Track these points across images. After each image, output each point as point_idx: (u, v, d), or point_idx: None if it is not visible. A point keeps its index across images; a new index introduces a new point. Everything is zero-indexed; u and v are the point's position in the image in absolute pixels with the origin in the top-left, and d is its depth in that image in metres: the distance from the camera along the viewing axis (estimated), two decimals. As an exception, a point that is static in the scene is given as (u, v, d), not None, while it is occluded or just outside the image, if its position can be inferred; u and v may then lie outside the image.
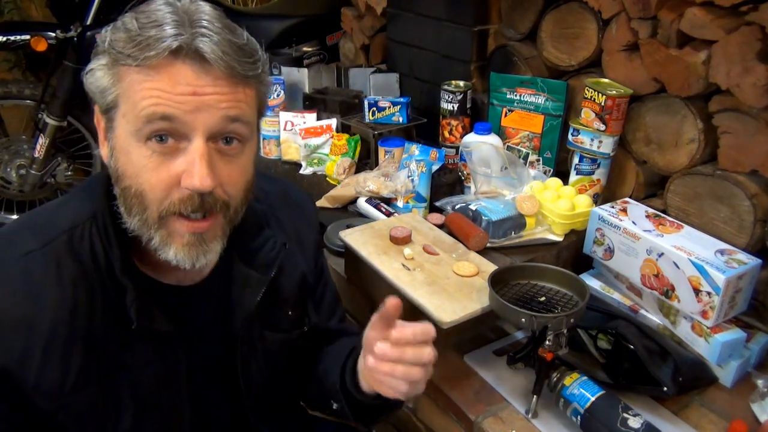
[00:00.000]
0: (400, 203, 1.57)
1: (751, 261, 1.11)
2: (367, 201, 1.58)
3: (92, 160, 2.64)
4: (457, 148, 1.72)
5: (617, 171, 1.49)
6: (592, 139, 1.42)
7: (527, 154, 1.64)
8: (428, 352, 0.75)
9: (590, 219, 1.30)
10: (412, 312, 1.09)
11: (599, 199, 1.48)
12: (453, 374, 1.12)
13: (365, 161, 1.87)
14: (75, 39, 2.26)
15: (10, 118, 2.66)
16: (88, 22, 2.27)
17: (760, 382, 1.06)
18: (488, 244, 1.33)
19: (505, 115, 1.66)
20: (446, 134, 1.75)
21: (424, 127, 1.89)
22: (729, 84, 1.18)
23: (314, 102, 2.02)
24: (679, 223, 1.23)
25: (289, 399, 1.00)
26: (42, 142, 2.38)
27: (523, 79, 1.60)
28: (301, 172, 1.91)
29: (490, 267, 1.21)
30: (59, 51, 2.31)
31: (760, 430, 0.98)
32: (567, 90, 1.54)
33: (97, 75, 0.70)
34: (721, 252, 1.13)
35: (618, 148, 1.45)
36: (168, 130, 0.68)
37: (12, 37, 2.28)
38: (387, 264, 1.20)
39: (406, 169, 1.61)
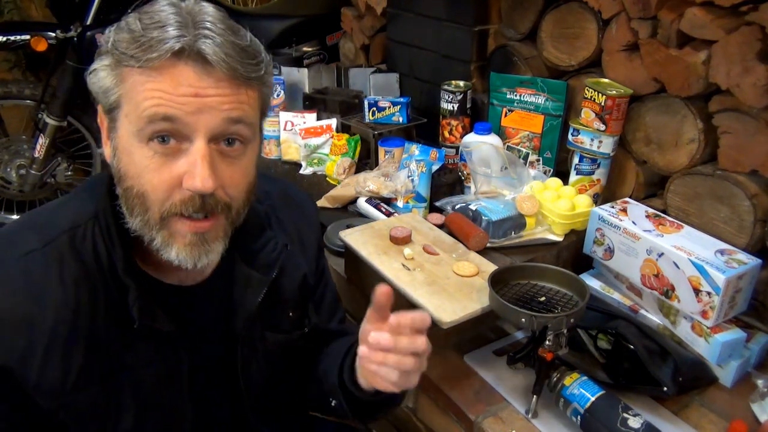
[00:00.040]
0: (400, 203, 1.57)
1: (751, 261, 1.11)
2: (367, 201, 1.58)
3: (92, 160, 2.64)
4: (457, 148, 1.72)
5: (617, 171, 1.49)
6: (592, 139, 1.42)
7: (527, 154, 1.64)
8: (422, 341, 0.75)
9: (590, 219, 1.30)
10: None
11: (599, 199, 1.48)
12: (453, 374, 1.12)
13: (365, 161, 1.87)
14: (75, 39, 2.26)
15: (10, 118, 2.66)
16: (88, 22, 2.27)
17: (760, 382, 1.06)
18: (488, 244, 1.33)
19: (505, 115, 1.66)
20: (446, 134, 1.75)
21: (424, 127, 1.89)
22: (729, 84, 1.18)
23: (314, 102, 2.02)
24: (679, 223, 1.23)
25: (289, 399, 1.00)
26: (42, 142, 2.38)
27: (523, 79, 1.60)
28: (301, 172, 1.91)
29: (490, 267, 1.21)
30: (59, 51, 2.31)
31: (760, 430, 0.98)
32: (567, 90, 1.54)
33: (101, 75, 0.70)
34: (721, 252, 1.13)
35: (618, 148, 1.45)
36: (170, 131, 0.68)
37: (12, 37, 2.27)
38: (387, 264, 1.20)
39: (406, 169, 1.61)
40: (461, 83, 1.72)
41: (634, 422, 0.91)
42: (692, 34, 1.22)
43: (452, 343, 1.18)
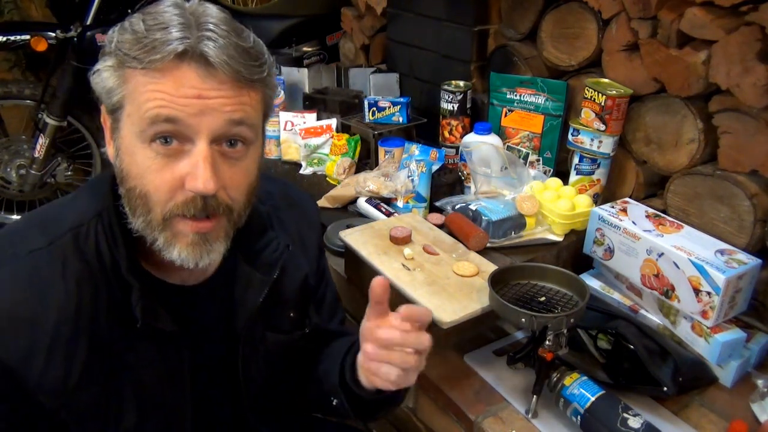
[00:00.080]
0: (400, 203, 1.57)
1: (751, 261, 1.11)
2: (367, 201, 1.58)
3: (92, 160, 2.64)
4: (457, 148, 1.72)
5: (617, 171, 1.49)
6: (592, 139, 1.42)
7: (527, 154, 1.64)
8: (427, 338, 0.76)
9: (590, 219, 1.30)
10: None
11: (599, 199, 1.48)
12: (453, 374, 1.12)
13: (365, 161, 1.87)
14: (75, 39, 2.26)
15: (10, 118, 2.66)
16: (88, 22, 2.27)
17: (760, 382, 1.06)
18: (488, 244, 1.33)
19: (505, 115, 1.66)
20: (446, 134, 1.75)
21: (424, 127, 1.89)
22: (729, 84, 1.18)
23: (314, 102, 2.02)
24: (679, 223, 1.23)
25: (289, 400, 1.00)
26: (42, 142, 2.38)
27: (523, 79, 1.60)
28: (301, 172, 1.91)
29: (490, 267, 1.21)
30: (59, 51, 2.31)
31: (760, 430, 0.98)
32: (567, 90, 1.54)
33: (104, 76, 0.70)
34: (721, 252, 1.13)
35: (618, 148, 1.45)
36: (172, 133, 0.68)
37: (12, 37, 2.28)
38: (387, 264, 1.20)
39: (406, 169, 1.61)
40: (461, 83, 1.72)
41: (634, 422, 0.91)
42: (692, 34, 1.22)
43: (452, 343, 1.18)
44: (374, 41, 2.26)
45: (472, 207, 1.38)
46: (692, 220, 1.29)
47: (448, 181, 1.62)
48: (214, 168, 0.69)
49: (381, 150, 1.75)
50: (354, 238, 1.29)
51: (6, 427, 0.75)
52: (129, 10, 2.33)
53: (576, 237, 1.38)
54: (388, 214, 1.52)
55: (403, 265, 1.20)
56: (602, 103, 1.37)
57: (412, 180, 1.58)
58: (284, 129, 1.96)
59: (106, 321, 0.75)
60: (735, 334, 1.11)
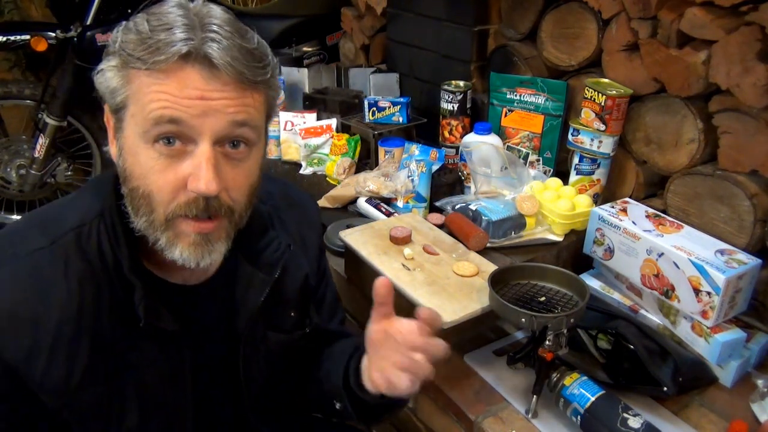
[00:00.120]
0: (400, 203, 1.57)
1: (751, 261, 1.11)
2: (367, 201, 1.58)
3: (92, 160, 2.64)
4: (457, 148, 1.72)
5: (617, 171, 1.49)
6: (592, 139, 1.42)
7: (527, 154, 1.64)
8: (446, 346, 0.76)
9: (590, 219, 1.30)
10: (412, 312, 1.08)
11: (599, 199, 1.48)
12: (453, 374, 1.12)
13: (365, 161, 1.87)
14: (75, 39, 2.26)
15: (10, 118, 2.66)
16: (88, 22, 2.27)
17: (760, 382, 1.06)
18: (488, 244, 1.33)
19: (505, 115, 1.66)
20: (446, 134, 1.75)
21: (424, 127, 1.89)
22: (729, 84, 1.18)
23: (314, 102, 2.02)
24: (679, 223, 1.23)
25: (289, 399, 1.00)
26: (42, 142, 2.38)
27: (523, 79, 1.60)
28: (301, 172, 1.91)
29: (490, 267, 1.21)
30: (59, 51, 2.31)
31: (760, 430, 0.98)
32: (567, 90, 1.54)
33: (108, 76, 0.71)
34: (721, 252, 1.13)
35: (618, 148, 1.45)
36: (175, 133, 0.68)
37: (12, 37, 2.28)
38: (387, 264, 1.20)
39: (406, 169, 1.61)
40: (461, 83, 1.72)
41: (634, 422, 0.91)
42: (692, 34, 1.22)
43: (452, 343, 1.17)
44: (374, 41, 2.26)
45: (472, 207, 1.38)
46: (692, 220, 1.29)
47: (448, 181, 1.62)
48: (216, 169, 0.69)
49: (381, 150, 1.75)
50: (354, 238, 1.29)
51: (7, 427, 0.75)
52: (129, 10, 2.33)
53: (576, 237, 1.38)
54: (388, 214, 1.52)
55: (403, 265, 1.20)
56: (602, 103, 1.37)
57: (412, 180, 1.58)
58: (284, 129, 1.96)
59: (109, 320, 0.75)
60: (735, 334, 1.11)
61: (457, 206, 1.43)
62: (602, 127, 1.39)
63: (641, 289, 1.21)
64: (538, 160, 1.63)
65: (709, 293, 1.08)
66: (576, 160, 1.48)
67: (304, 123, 1.95)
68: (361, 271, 1.30)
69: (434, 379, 1.09)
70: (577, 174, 1.48)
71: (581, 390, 0.97)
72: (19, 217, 2.60)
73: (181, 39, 0.66)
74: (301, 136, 1.92)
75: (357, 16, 2.29)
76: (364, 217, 1.57)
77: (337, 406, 0.90)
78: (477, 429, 1.03)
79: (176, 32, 0.66)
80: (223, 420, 0.91)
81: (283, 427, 1.00)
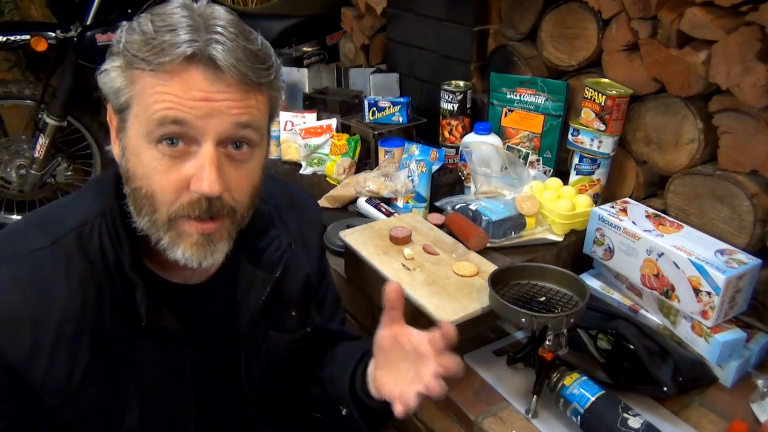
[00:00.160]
0: (400, 203, 1.57)
1: (751, 261, 1.11)
2: (367, 201, 1.58)
3: (92, 160, 2.64)
4: (457, 148, 1.72)
5: (617, 171, 1.49)
6: (592, 139, 1.42)
7: (527, 154, 1.64)
8: (459, 363, 0.76)
9: (590, 219, 1.30)
10: (413, 312, 1.09)
11: (599, 199, 1.48)
12: (453, 374, 1.12)
13: (365, 161, 1.87)
14: (75, 39, 2.26)
15: (10, 118, 2.66)
16: (88, 22, 2.27)
17: (760, 382, 1.06)
18: (488, 244, 1.33)
19: (505, 115, 1.66)
20: (446, 134, 1.75)
21: (424, 127, 1.89)
22: (729, 84, 1.18)
23: (314, 102, 2.02)
24: (679, 223, 1.23)
25: (290, 399, 1.00)
26: (42, 142, 2.38)
27: (523, 79, 1.60)
28: (301, 172, 1.91)
29: (490, 267, 1.21)
30: (59, 51, 2.31)
31: (760, 430, 0.98)
32: (567, 90, 1.54)
33: (111, 76, 0.71)
34: (721, 252, 1.13)
35: (618, 148, 1.45)
36: (179, 134, 0.68)
37: (12, 37, 2.28)
38: (387, 264, 1.20)
39: (406, 169, 1.61)
40: (461, 83, 1.72)
41: (634, 422, 0.91)
42: (692, 34, 1.22)
43: (452, 343, 1.18)
44: (374, 41, 2.26)
45: (472, 207, 1.38)
46: (692, 220, 1.29)
47: (448, 181, 1.62)
48: (219, 170, 0.69)
49: (381, 150, 1.75)
50: (354, 238, 1.29)
51: (7, 427, 0.75)
52: (129, 10, 2.33)
53: (576, 237, 1.38)
54: (388, 214, 1.52)
55: (403, 265, 1.20)
56: (602, 103, 1.37)
57: (412, 180, 1.58)
58: (284, 129, 1.96)
59: (110, 320, 0.75)
60: (735, 334, 1.11)
61: (457, 206, 1.43)
62: (602, 127, 1.39)
63: (641, 289, 1.21)
64: (538, 160, 1.63)
65: (709, 293, 1.08)
66: (576, 160, 1.48)
67: (304, 123, 1.95)
68: (361, 271, 1.30)
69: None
70: (577, 174, 1.48)
71: (581, 390, 0.97)
72: (19, 217, 2.60)
73: (186, 40, 0.66)
74: (301, 136, 1.92)
75: (357, 16, 2.29)
76: (364, 217, 1.57)
77: (344, 411, 0.90)
78: (477, 429, 1.03)
79: (181, 33, 0.66)
80: (224, 419, 0.91)
81: (284, 427, 1.00)
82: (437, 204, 1.53)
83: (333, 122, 1.94)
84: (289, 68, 2.18)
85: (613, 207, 1.29)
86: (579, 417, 0.96)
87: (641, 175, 1.45)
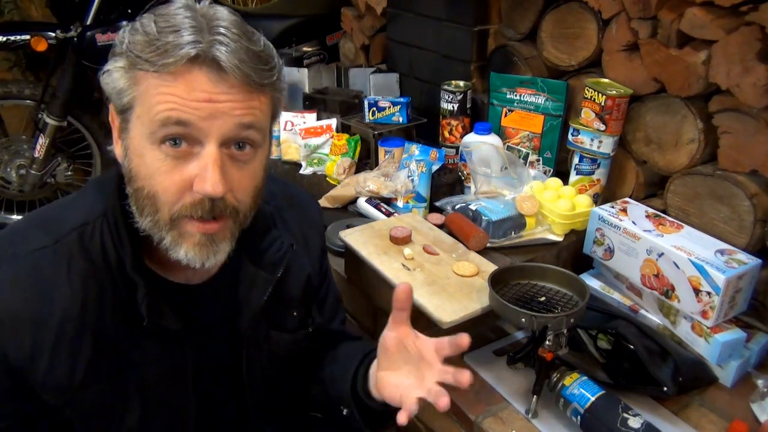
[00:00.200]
0: (400, 203, 1.57)
1: (751, 261, 1.11)
2: (367, 201, 1.58)
3: (92, 160, 2.64)
4: (457, 148, 1.72)
5: (617, 171, 1.49)
6: (592, 139, 1.42)
7: (527, 154, 1.64)
8: (468, 375, 0.75)
9: (590, 219, 1.30)
10: (413, 312, 1.08)
11: (599, 199, 1.48)
12: (453, 374, 1.12)
13: (365, 161, 1.87)
14: (75, 39, 2.26)
15: (10, 118, 2.66)
16: (88, 22, 2.27)
17: (760, 382, 1.06)
18: (488, 244, 1.33)
19: (505, 115, 1.66)
20: (446, 134, 1.75)
21: (424, 127, 1.89)
22: (729, 84, 1.18)
23: (314, 102, 2.02)
24: (679, 223, 1.23)
25: (291, 399, 1.00)
26: (42, 142, 2.38)
27: (523, 79, 1.60)
28: (301, 172, 1.91)
29: (490, 267, 1.21)
30: (59, 51, 2.31)
31: (760, 430, 0.98)
32: (567, 90, 1.54)
33: (114, 76, 0.71)
34: (721, 252, 1.13)
35: (618, 148, 1.45)
36: (182, 135, 0.68)
37: (12, 37, 2.28)
38: (387, 264, 1.20)
39: (406, 169, 1.61)
40: (461, 83, 1.72)
41: (634, 422, 0.91)
42: (692, 34, 1.22)
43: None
44: (374, 41, 2.26)
45: (472, 207, 1.38)
46: (692, 220, 1.29)
47: (448, 181, 1.62)
48: (222, 171, 0.69)
49: (381, 150, 1.75)
50: (354, 238, 1.29)
51: (7, 427, 0.75)
52: (129, 10, 2.33)
53: (576, 237, 1.38)
54: (388, 214, 1.52)
55: (403, 265, 1.20)
56: (602, 103, 1.37)
57: (412, 180, 1.58)
58: (284, 129, 1.96)
59: (111, 319, 0.75)
60: (735, 334, 1.11)
61: (457, 206, 1.43)
62: (602, 127, 1.39)
63: (641, 289, 1.21)
64: (538, 160, 1.63)
65: (709, 293, 1.08)
66: (576, 160, 1.48)
67: (304, 123, 1.95)
68: (361, 272, 1.30)
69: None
70: (577, 174, 1.48)
71: (581, 390, 0.97)
72: (19, 217, 2.60)
73: (189, 42, 0.66)
74: (301, 136, 1.92)
75: (357, 16, 2.29)
76: (364, 217, 1.57)
77: (344, 411, 0.90)
78: (477, 429, 1.03)
79: (184, 34, 0.66)
80: (225, 419, 0.91)
81: (285, 426, 1.00)
82: (437, 204, 1.53)
83: (333, 122, 1.94)
84: (289, 68, 2.18)
85: (613, 207, 1.30)
86: (579, 417, 0.96)
87: (641, 175, 1.45)
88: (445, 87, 1.70)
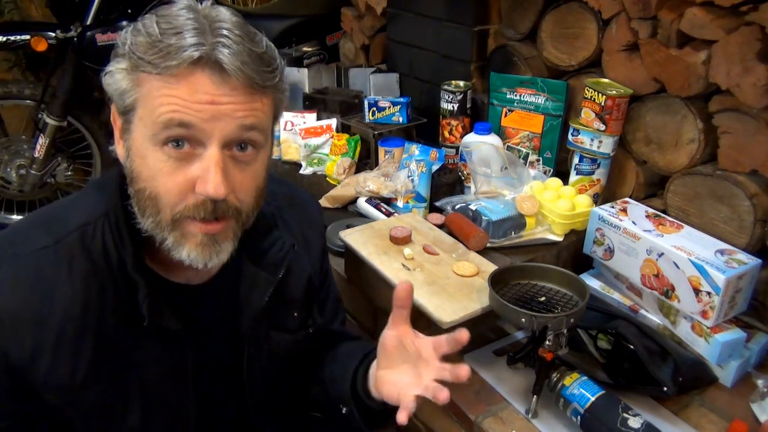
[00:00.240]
0: (400, 203, 1.57)
1: (751, 261, 1.11)
2: (367, 201, 1.58)
3: (92, 160, 2.64)
4: (457, 148, 1.72)
5: (617, 171, 1.49)
6: (592, 139, 1.42)
7: (527, 154, 1.64)
8: (466, 370, 0.76)
9: (590, 219, 1.30)
10: (413, 312, 1.08)
11: (599, 199, 1.48)
12: (453, 374, 1.12)
13: (365, 161, 1.87)
14: (75, 39, 2.26)
15: (10, 118, 2.66)
16: (88, 22, 2.27)
17: (760, 382, 1.06)
18: (488, 244, 1.33)
19: (505, 115, 1.66)
20: (446, 134, 1.75)
21: (424, 127, 1.89)
22: (729, 84, 1.18)
23: (314, 102, 2.02)
24: (679, 223, 1.23)
25: (291, 399, 1.00)
26: (42, 142, 2.38)
27: (523, 79, 1.60)
28: (301, 172, 1.91)
29: (490, 267, 1.21)
30: (59, 51, 2.31)
31: (760, 430, 0.98)
32: (567, 90, 1.54)
33: (117, 77, 0.71)
34: (721, 252, 1.13)
35: (618, 148, 1.45)
36: (184, 137, 0.69)
37: (12, 37, 2.28)
38: (387, 264, 1.20)
39: (406, 169, 1.61)
40: (461, 83, 1.72)
41: (634, 422, 0.91)
42: (692, 34, 1.22)
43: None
44: (374, 41, 2.26)
45: (472, 207, 1.38)
46: (692, 220, 1.29)
47: (448, 181, 1.62)
48: (224, 173, 0.69)
49: (381, 150, 1.75)
50: (354, 238, 1.29)
51: (7, 426, 0.75)
52: (129, 10, 2.33)
53: (576, 237, 1.38)
54: (388, 214, 1.52)
55: (403, 265, 1.20)
56: (602, 103, 1.37)
57: (412, 180, 1.58)
58: (284, 129, 1.96)
59: (113, 319, 0.75)
60: (735, 334, 1.11)
61: (457, 206, 1.43)
62: (602, 127, 1.39)
63: (641, 289, 1.21)
64: (538, 160, 1.63)
65: (709, 293, 1.08)
66: (576, 160, 1.48)
67: (304, 123, 1.95)
68: (361, 272, 1.30)
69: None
70: (577, 174, 1.48)
71: (581, 390, 0.97)
72: (19, 217, 2.60)
73: (192, 44, 0.66)
74: (301, 136, 1.92)
75: (357, 16, 2.29)
76: (364, 217, 1.57)
77: (344, 410, 0.90)
78: (477, 429, 1.03)
79: (187, 37, 0.66)
80: (225, 419, 0.91)
81: (285, 427, 1.00)
82: (437, 204, 1.53)
83: (333, 122, 1.94)
84: (289, 68, 2.18)
85: (613, 207, 1.30)
86: (579, 417, 0.96)
87: (641, 175, 1.45)
88: (445, 87, 1.70)
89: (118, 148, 0.76)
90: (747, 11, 1.13)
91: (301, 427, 1.06)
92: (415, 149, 1.69)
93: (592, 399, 0.95)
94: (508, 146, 1.66)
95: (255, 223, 0.81)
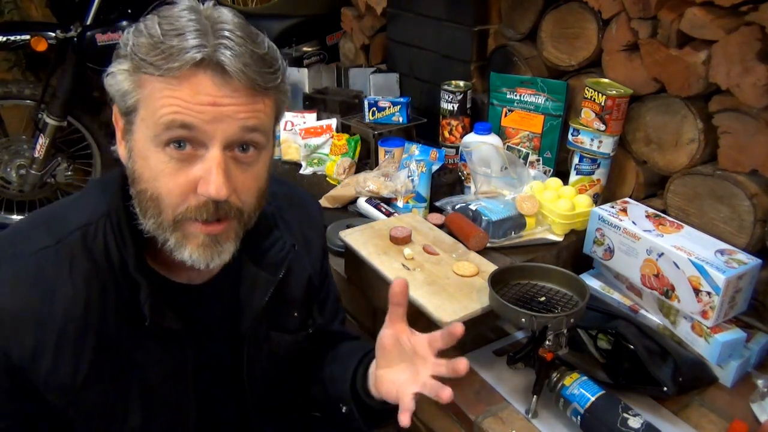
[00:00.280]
0: (400, 203, 1.57)
1: (751, 261, 1.11)
2: (367, 201, 1.58)
3: (92, 160, 2.64)
4: (457, 148, 1.72)
5: (617, 171, 1.49)
6: (592, 139, 1.42)
7: (527, 154, 1.64)
8: (465, 363, 0.76)
9: (590, 219, 1.30)
10: (413, 312, 1.08)
11: (599, 199, 1.48)
12: (453, 374, 1.12)
13: (365, 161, 1.87)
14: (75, 39, 2.26)
15: (10, 118, 2.66)
16: (88, 22, 2.27)
17: (760, 382, 1.06)
18: (488, 244, 1.33)
19: (505, 115, 1.66)
20: (446, 134, 1.75)
21: (424, 127, 1.89)
22: (729, 84, 1.19)
23: (314, 102, 2.02)
24: (679, 223, 1.23)
25: (291, 399, 1.00)
26: (42, 142, 2.38)
27: (523, 79, 1.60)
28: (301, 172, 1.91)
29: (490, 267, 1.21)
30: (59, 51, 2.31)
31: (760, 430, 0.99)
32: (567, 90, 1.54)
33: (119, 78, 0.71)
34: (721, 252, 1.13)
35: (618, 148, 1.45)
36: (186, 138, 0.69)
37: (12, 37, 2.27)
38: (387, 264, 1.20)
39: (406, 169, 1.61)
40: (461, 83, 1.72)
41: (634, 422, 0.91)
42: (692, 34, 1.22)
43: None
44: (374, 41, 2.26)
45: (472, 207, 1.38)
46: (692, 220, 1.29)
47: (448, 181, 1.62)
48: (226, 174, 0.69)
49: (381, 150, 1.75)
50: (354, 238, 1.29)
51: (7, 426, 0.75)
52: (129, 10, 2.33)
53: (576, 237, 1.38)
54: (388, 214, 1.52)
55: (403, 265, 1.20)
56: (602, 103, 1.37)
57: (412, 180, 1.58)
58: (284, 129, 1.96)
59: (114, 319, 0.75)
60: (735, 334, 1.11)
61: (457, 206, 1.43)
62: (602, 127, 1.39)
63: (641, 289, 1.21)
64: (538, 160, 1.63)
65: (709, 293, 1.08)
66: (576, 160, 1.48)
67: (304, 123, 1.95)
68: (361, 272, 1.30)
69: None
70: (577, 174, 1.48)
71: (581, 390, 0.97)
72: (19, 217, 2.60)
73: (194, 45, 0.66)
74: (301, 136, 1.92)
75: (357, 16, 2.29)
76: (364, 217, 1.57)
77: (343, 409, 0.90)
78: (477, 429, 1.03)
79: (189, 38, 0.66)
80: (225, 419, 0.91)
81: (285, 427, 1.00)
82: (437, 204, 1.53)
83: (333, 122, 1.94)
84: (290, 68, 2.15)
85: (613, 207, 1.30)
86: (579, 417, 0.96)
87: (641, 175, 1.45)
88: (445, 87, 1.71)
89: (120, 149, 0.76)
90: (747, 11, 1.13)
91: (301, 427, 1.06)
92: (415, 149, 1.69)
93: (592, 399, 0.95)
94: (508, 146, 1.66)
95: (256, 223, 0.81)
